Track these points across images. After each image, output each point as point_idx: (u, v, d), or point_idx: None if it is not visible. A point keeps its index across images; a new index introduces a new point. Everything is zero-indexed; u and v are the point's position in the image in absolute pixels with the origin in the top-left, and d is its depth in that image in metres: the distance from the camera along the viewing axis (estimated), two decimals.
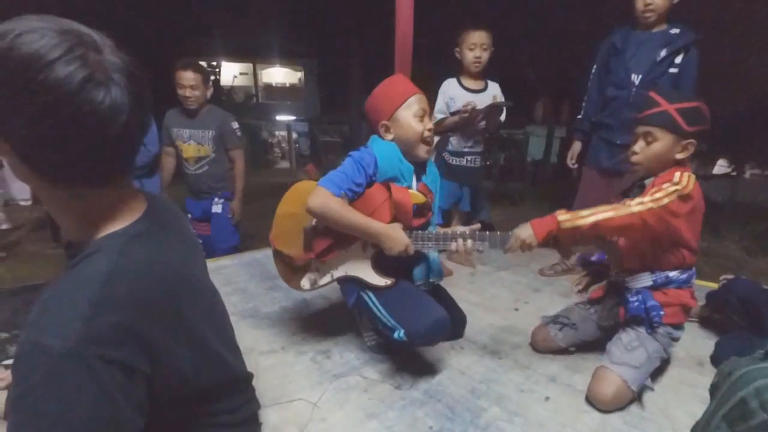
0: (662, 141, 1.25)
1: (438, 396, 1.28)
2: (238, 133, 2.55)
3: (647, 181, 1.32)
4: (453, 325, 1.56)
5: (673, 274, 1.30)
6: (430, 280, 1.47)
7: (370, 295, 1.38)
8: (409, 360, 1.46)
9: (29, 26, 0.48)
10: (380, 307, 1.34)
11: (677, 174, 1.22)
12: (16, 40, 0.47)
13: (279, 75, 19.20)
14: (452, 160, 2.35)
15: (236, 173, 2.58)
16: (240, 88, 17.50)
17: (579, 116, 2.28)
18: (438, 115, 2.33)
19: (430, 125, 1.37)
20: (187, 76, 2.33)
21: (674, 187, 1.19)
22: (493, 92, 2.29)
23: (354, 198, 1.29)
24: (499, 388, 1.33)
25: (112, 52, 0.53)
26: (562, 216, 1.21)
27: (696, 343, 1.61)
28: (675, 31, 1.91)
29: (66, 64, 0.48)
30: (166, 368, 0.56)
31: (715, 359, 1.46)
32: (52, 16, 0.51)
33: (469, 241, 1.30)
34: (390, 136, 1.38)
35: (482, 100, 2.24)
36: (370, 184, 1.32)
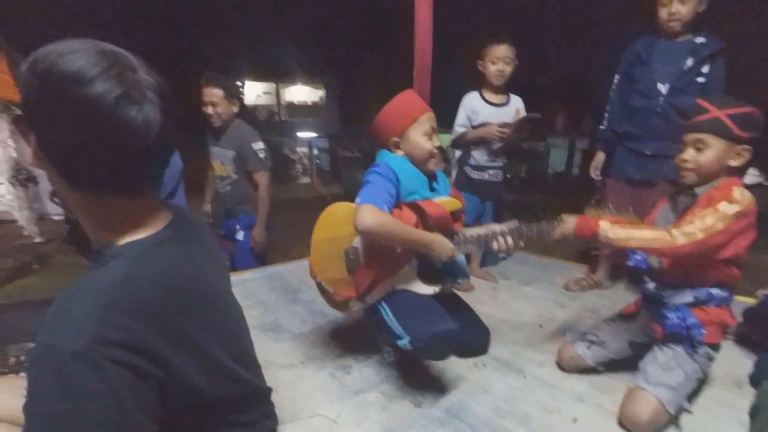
0: (714, 148, 1.20)
1: (460, 415, 1.24)
2: (261, 155, 2.37)
3: (699, 190, 1.25)
4: (476, 341, 1.54)
5: (715, 291, 1.23)
6: (459, 281, 1.50)
7: (384, 304, 1.37)
8: (429, 377, 1.42)
9: (71, 47, 0.52)
10: (391, 315, 1.33)
11: (737, 190, 1.15)
12: (58, 60, 0.51)
13: (300, 93, 19.69)
14: (474, 174, 2.33)
15: (258, 197, 2.40)
16: (263, 107, 18.06)
17: (601, 127, 2.23)
18: (459, 129, 2.32)
19: (437, 143, 1.41)
20: (208, 92, 2.27)
21: (733, 209, 1.12)
22: (516, 106, 2.27)
23: (390, 211, 1.29)
24: (525, 408, 1.27)
25: (146, 72, 0.57)
26: (604, 225, 1.21)
27: (734, 362, 1.51)
28: (701, 40, 1.86)
29: (103, 81, 0.51)
30: (178, 375, 0.56)
31: (754, 379, 1.36)
32: (93, 40, 0.55)
33: (509, 239, 1.32)
34: (400, 152, 1.40)
35: (505, 114, 2.22)
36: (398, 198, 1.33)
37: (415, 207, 1.32)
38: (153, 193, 0.65)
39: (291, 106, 19.38)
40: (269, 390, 0.82)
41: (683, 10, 1.82)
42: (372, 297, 1.37)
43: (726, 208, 1.13)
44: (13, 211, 4.38)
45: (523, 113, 2.24)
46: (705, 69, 1.85)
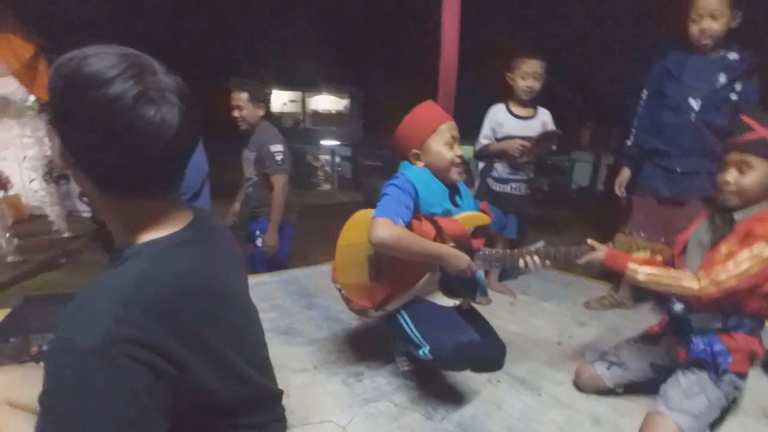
0: (759, 170, 1.13)
1: (471, 430, 1.21)
2: (278, 157, 2.34)
3: (737, 217, 1.18)
4: (492, 355, 1.52)
5: (745, 318, 1.18)
6: (477, 301, 1.47)
7: (404, 313, 1.36)
8: (442, 389, 1.41)
9: (94, 51, 0.55)
10: (410, 324, 1.32)
11: None
12: (81, 62, 0.54)
13: (326, 102, 20.06)
14: (497, 186, 2.31)
15: (273, 200, 2.37)
16: (289, 115, 18.48)
17: (627, 142, 2.17)
18: (483, 141, 2.31)
19: (459, 152, 1.39)
20: (234, 96, 2.32)
21: (758, 258, 1.06)
22: (543, 119, 2.24)
23: (407, 224, 1.28)
24: (539, 428, 1.24)
25: (165, 74, 0.59)
26: (633, 266, 1.21)
27: (762, 392, 1.44)
28: (734, 56, 1.81)
29: (122, 82, 0.53)
30: (192, 375, 0.57)
31: None
32: (116, 45, 0.58)
33: (537, 258, 1.30)
34: (421, 164, 1.40)
35: (531, 127, 2.20)
36: (416, 216, 1.32)
37: (433, 222, 1.31)
38: (173, 194, 0.66)
39: (316, 115, 19.75)
40: (281, 393, 0.83)
41: (715, 27, 1.77)
42: (391, 305, 1.37)
43: (763, 249, 1.07)
44: (45, 207, 4.60)
45: (550, 126, 2.21)
46: (738, 86, 1.80)
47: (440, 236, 1.32)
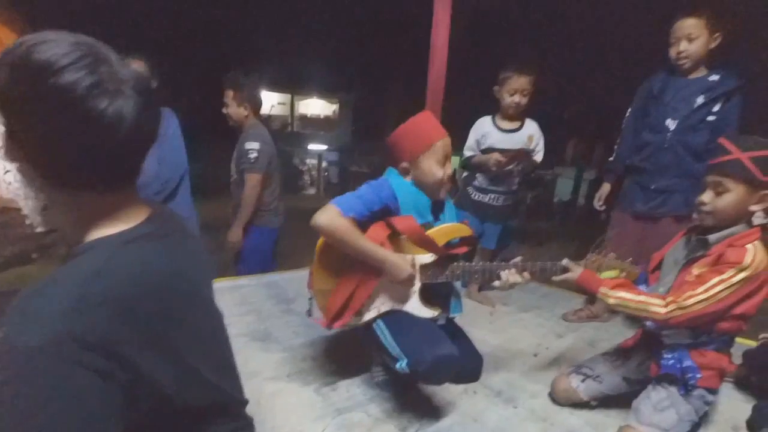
0: (734, 192, 1.13)
1: None
2: (251, 155, 2.28)
3: (712, 239, 1.18)
4: (468, 367, 1.50)
5: (716, 336, 1.20)
6: (451, 316, 1.45)
7: (381, 323, 1.34)
8: (417, 401, 1.39)
9: (44, 37, 0.52)
10: (388, 335, 1.30)
11: (750, 253, 1.09)
12: (31, 49, 0.50)
13: (315, 106, 20.03)
14: (475, 195, 2.32)
15: (242, 198, 2.33)
16: (277, 117, 18.35)
17: (611, 158, 2.22)
18: (467, 153, 2.32)
19: (449, 170, 1.37)
20: (224, 93, 2.33)
21: (741, 276, 1.08)
22: (529, 132, 2.24)
23: (361, 221, 1.26)
24: None
25: (121, 65, 0.56)
26: (604, 290, 1.24)
27: (732, 406, 1.46)
28: (714, 77, 1.85)
29: (74, 71, 0.50)
30: (146, 378, 0.54)
31: (753, 425, 1.31)
32: (68, 32, 0.55)
33: (513, 272, 1.30)
34: (409, 177, 1.37)
35: (515, 140, 2.20)
36: (383, 216, 1.30)
37: (387, 221, 1.29)
38: (129, 189, 0.63)
39: (303, 118, 19.68)
40: (246, 402, 0.80)
41: (692, 48, 1.83)
42: (369, 314, 1.34)
43: (733, 274, 1.08)
44: (19, 200, 4.43)
45: (537, 140, 2.22)
46: (716, 107, 1.84)
47: (393, 238, 1.30)
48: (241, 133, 2.40)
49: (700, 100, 1.85)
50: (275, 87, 17.29)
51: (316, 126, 19.61)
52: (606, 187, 2.24)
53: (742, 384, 1.59)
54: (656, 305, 1.15)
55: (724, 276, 1.09)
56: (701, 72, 1.90)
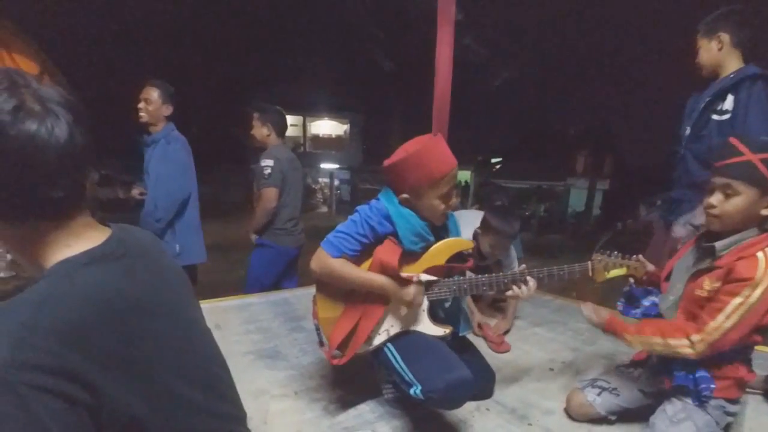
0: (744, 195, 1.07)
1: None
2: (266, 171, 2.40)
3: (718, 246, 1.13)
4: (480, 383, 1.45)
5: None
6: (460, 335, 1.42)
7: (391, 347, 1.31)
8: (427, 419, 1.35)
9: None
10: (400, 360, 1.26)
11: (760, 265, 1.03)
12: None
13: (326, 127, 20.42)
14: None
15: (257, 209, 2.49)
16: (290, 138, 18.76)
17: None
18: None
19: (453, 202, 1.30)
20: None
21: (757, 292, 1.03)
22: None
23: (355, 255, 1.25)
24: None
25: (46, 86, 0.54)
26: (629, 337, 1.21)
27: (759, 420, 1.37)
28: (729, 77, 1.77)
29: None
30: (111, 401, 0.52)
31: None
32: None
33: (532, 282, 1.27)
34: (407, 206, 1.28)
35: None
36: (382, 240, 1.27)
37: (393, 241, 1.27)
38: (80, 212, 0.60)
39: (316, 138, 20.07)
40: (242, 417, 0.77)
41: (703, 55, 1.82)
42: (378, 339, 1.31)
43: (749, 294, 1.04)
44: None
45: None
46: (722, 105, 1.76)
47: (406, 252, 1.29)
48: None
49: (703, 103, 1.81)
50: (287, 110, 17.77)
51: (327, 146, 19.95)
52: None
53: None
54: (684, 346, 1.10)
55: (740, 299, 1.04)
56: (721, 76, 1.83)
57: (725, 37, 1.77)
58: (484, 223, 1.92)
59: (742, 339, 1.08)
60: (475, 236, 1.97)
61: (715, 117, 1.77)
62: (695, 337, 1.09)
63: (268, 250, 2.52)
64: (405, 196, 1.26)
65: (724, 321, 1.05)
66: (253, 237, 2.57)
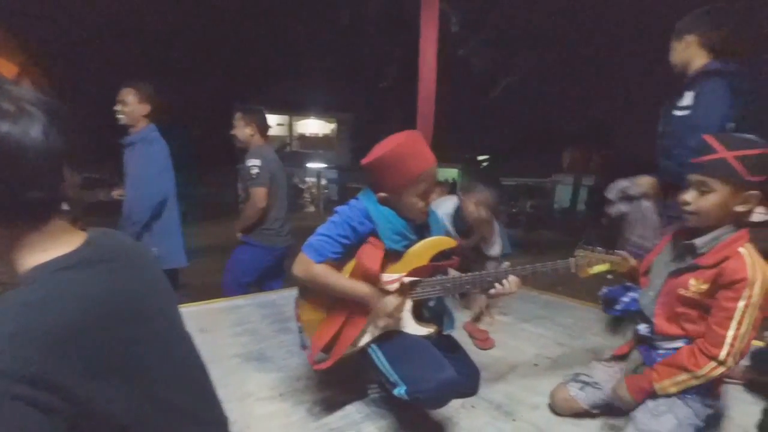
0: (718, 192, 1.09)
1: None
2: (253, 171, 2.38)
3: (699, 243, 1.15)
4: (465, 381, 1.45)
5: None
6: (445, 333, 1.41)
7: (375, 348, 1.30)
8: (414, 418, 1.35)
9: None
10: (384, 361, 1.26)
11: (748, 262, 1.06)
12: None
13: (313, 126, 20.31)
14: None
15: (245, 208, 2.49)
16: (275, 137, 18.59)
17: None
18: None
19: (431, 199, 1.30)
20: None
21: (757, 289, 1.05)
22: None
23: (339, 258, 1.24)
24: None
25: (15, 85, 0.54)
26: (659, 387, 1.17)
27: (740, 410, 1.41)
28: (692, 73, 1.79)
29: None
30: (96, 410, 0.51)
31: (763, 428, 1.26)
32: None
33: (508, 278, 1.26)
34: (386, 204, 1.28)
35: None
36: (364, 239, 1.26)
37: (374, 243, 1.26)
38: (57, 215, 0.59)
39: (302, 138, 19.95)
40: (224, 422, 0.76)
41: (673, 56, 1.85)
42: (363, 339, 1.31)
43: (750, 294, 1.05)
44: None
45: None
46: (682, 101, 1.77)
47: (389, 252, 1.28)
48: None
49: (669, 101, 1.84)
50: (273, 109, 17.58)
51: (314, 145, 19.85)
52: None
53: (752, 386, 1.55)
54: (715, 368, 1.09)
55: (744, 301, 1.06)
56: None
57: (691, 38, 1.79)
58: (467, 187, 1.96)
59: (754, 335, 1.10)
60: (459, 207, 1.98)
61: (676, 113, 1.79)
62: (722, 355, 1.08)
63: (252, 249, 2.51)
64: (383, 194, 1.26)
65: (738, 328, 1.06)
66: (239, 236, 2.55)
